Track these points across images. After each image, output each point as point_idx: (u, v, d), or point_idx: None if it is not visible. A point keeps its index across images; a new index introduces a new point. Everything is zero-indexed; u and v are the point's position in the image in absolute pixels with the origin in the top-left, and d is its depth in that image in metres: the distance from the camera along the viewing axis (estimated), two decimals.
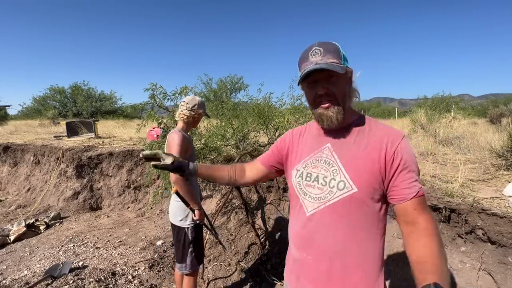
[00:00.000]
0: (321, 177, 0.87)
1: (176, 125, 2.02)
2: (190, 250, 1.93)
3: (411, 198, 0.78)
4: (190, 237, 1.92)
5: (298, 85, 0.90)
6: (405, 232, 0.81)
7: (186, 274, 1.98)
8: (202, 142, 3.34)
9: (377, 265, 0.84)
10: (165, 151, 1.88)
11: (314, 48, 0.83)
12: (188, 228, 1.92)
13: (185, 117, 1.92)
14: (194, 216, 1.87)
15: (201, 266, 2.14)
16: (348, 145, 0.87)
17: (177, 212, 1.92)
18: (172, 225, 1.99)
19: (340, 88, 0.84)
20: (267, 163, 1.11)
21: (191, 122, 1.98)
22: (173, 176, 1.76)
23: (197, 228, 1.97)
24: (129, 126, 9.29)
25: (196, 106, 1.92)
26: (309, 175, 0.91)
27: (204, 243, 2.10)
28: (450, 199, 2.12)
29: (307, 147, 0.96)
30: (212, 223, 3.24)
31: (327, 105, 0.84)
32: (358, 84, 0.92)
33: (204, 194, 4.02)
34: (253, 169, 1.15)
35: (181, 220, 1.92)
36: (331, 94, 0.83)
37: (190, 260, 1.94)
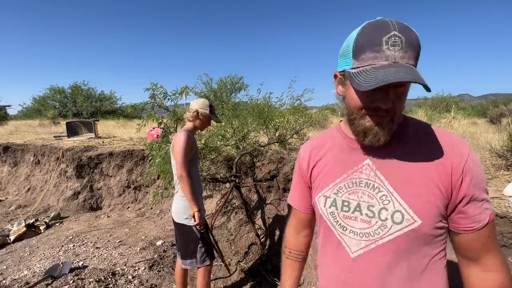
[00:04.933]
0: (364, 206, 0.67)
1: (177, 125, 2.06)
2: (199, 246, 1.97)
3: (482, 227, 0.61)
4: (198, 235, 1.96)
5: (341, 71, 0.65)
6: (465, 271, 0.67)
7: (198, 268, 2.02)
8: (202, 142, 3.35)
9: None
10: (171, 150, 2.00)
11: (392, 34, 0.54)
12: (194, 226, 1.94)
13: (190, 118, 2.01)
14: (194, 220, 1.89)
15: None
16: (396, 161, 0.65)
17: (182, 211, 1.94)
18: (176, 224, 2.00)
19: (403, 102, 0.62)
20: (307, 206, 0.85)
21: (198, 124, 2.04)
22: (178, 171, 1.83)
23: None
24: (129, 126, 9.29)
25: (200, 108, 2.00)
26: (346, 203, 0.70)
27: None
28: None
29: (337, 165, 0.73)
30: (212, 223, 3.26)
31: (379, 119, 0.61)
32: None
33: (204, 194, 4.02)
34: (300, 232, 0.90)
35: (187, 218, 1.94)
36: (391, 110, 0.60)
37: (200, 255, 1.97)
